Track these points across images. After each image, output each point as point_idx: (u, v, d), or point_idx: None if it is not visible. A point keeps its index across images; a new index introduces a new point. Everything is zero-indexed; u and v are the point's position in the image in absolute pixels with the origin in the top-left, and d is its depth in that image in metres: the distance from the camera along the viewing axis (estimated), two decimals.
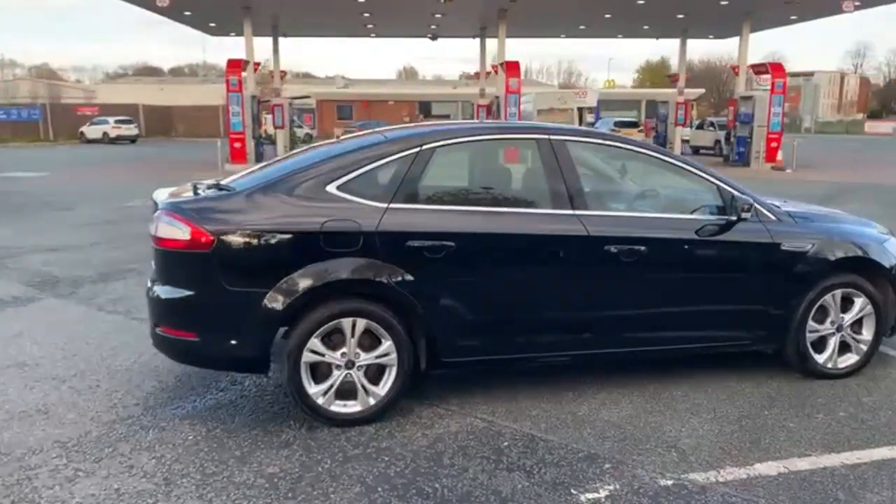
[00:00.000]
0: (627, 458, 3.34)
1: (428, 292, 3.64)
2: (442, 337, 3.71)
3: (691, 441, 3.53)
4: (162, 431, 3.63)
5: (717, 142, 28.49)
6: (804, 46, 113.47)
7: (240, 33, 28.16)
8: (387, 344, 3.64)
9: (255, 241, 3.52)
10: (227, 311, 3.52)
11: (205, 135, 44.68)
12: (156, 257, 3.72)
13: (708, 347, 4.19)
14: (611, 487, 3.08)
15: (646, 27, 28.13)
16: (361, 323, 3.59)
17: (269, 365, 3.61)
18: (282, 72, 29.01)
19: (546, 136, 3.99)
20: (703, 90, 48.08)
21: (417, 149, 3.78)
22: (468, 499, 2.99)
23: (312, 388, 3.60)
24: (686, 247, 3.99)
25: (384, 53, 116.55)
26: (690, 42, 30.60)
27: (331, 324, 3.56)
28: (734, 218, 4.00)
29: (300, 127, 37.41)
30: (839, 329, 4.31)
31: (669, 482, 3.13)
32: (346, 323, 3.58)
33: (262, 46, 22.89)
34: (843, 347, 4.36)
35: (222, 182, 3.90)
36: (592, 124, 29.02)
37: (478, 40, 30.14)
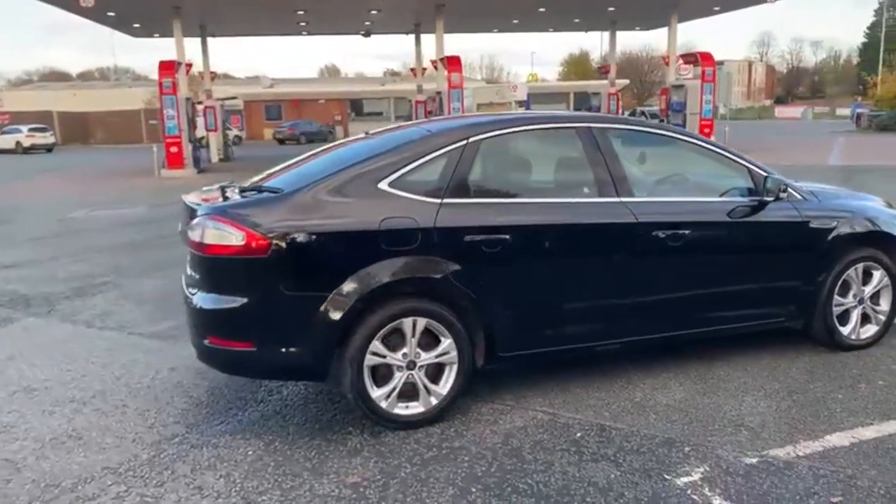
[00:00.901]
0: (703, 440, 3.37)
1: (485, 287, 3.58)
2: (499, 331, 3.65)
3: (755, 419, 3.59)
4: (216, 449, 3.44)
5: None
6: (713, 37, 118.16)
7: (164, 34, 27.20)
8: (446, 342, 3.55)
9: (312, 243, 3.37)
10: (286, 317, 3.36)
11: (126, 140, 42.94)
12: (199, 265, 3.51)
13: (747, 326, 4.28)
14: (700, 470, 3.10)
15: (577, 20, 28.66)
16: (422, 322, 3.50)
17: (329, 371, 3.46)
18: (212, 73, 28.12)
19: (587, 125, 3.98)
20: (627, 81, 49.36)
21: (465, 141, 3.70)
22: (567, 492, 2.95)
23: (376, 392, 3.47)
24: (725, 229, 4.07)
25: (302, 51, 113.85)
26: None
27: (392, 324, 3.45)
28: (771, 199, 4.09)
29: (229, 129, 36.40)
30: (861, 302, 4.48)
31: (754, 460, 3.17)
32: (408, 323, 3.47)
33: (185, 47, 21.93)
34: (864, 319, 4.53)
35: (263, 184, 3.71)
36: None
37: (401, 36, 29.99)
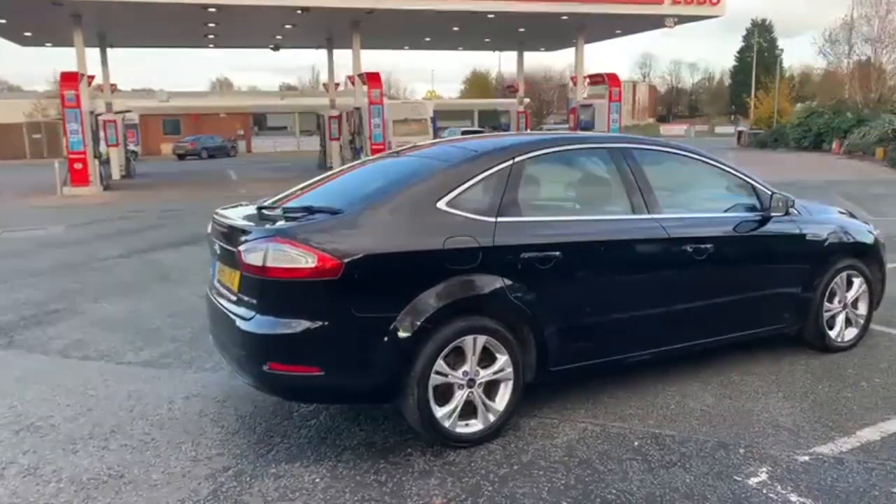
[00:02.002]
0: (751, 442, 3.58)
1: (538, 303, 3.66)
2: (550, 346, 3.74)
3: (787, 419, 3.85)
4: (279, 479, 3.32)
5: None
6: (599, 59, 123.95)
7: (57, 43, 25.69)
8: (503, 359, 3.60)
9: (381, 264, 3.35)
10: (355, 339, 3.31)
11: (7, 156, 39.93)
12: (258, 288, 3.38)
13: (755, 333, 4.58)
14: (764, 470, 3.30)
15: (487, 40, 29.34)
16: (481, 340, 3.53)
17: (395, 393, 3.42)
18: (112, 85, 26.73)
19: (617, 145, 4.17)
20: (528, 100, 50.86)
21: (511, 161, 3.78)
22: (655, 499, 3.06)
23: (439, 412, 3.47)
24: (740, 242, 4.35)
25: (188, 64, 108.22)
26: (507, 57, 32.31)
27: (454, 343, 3.47)
28: (779, 214, 4.42)
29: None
30: (845, 307, 4.89)
31: (806, 458, 3.41)
32: (469, 341, 3.50)
33: (72, 57, 20.49)
34: (847, 323, 4.94)
35: (315, 205, 3.62)
36: (437, 133, 29.81)
37: (296, 51, 29.49)
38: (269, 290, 3.35)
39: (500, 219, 3.63)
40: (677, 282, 4.13)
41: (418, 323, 3.35)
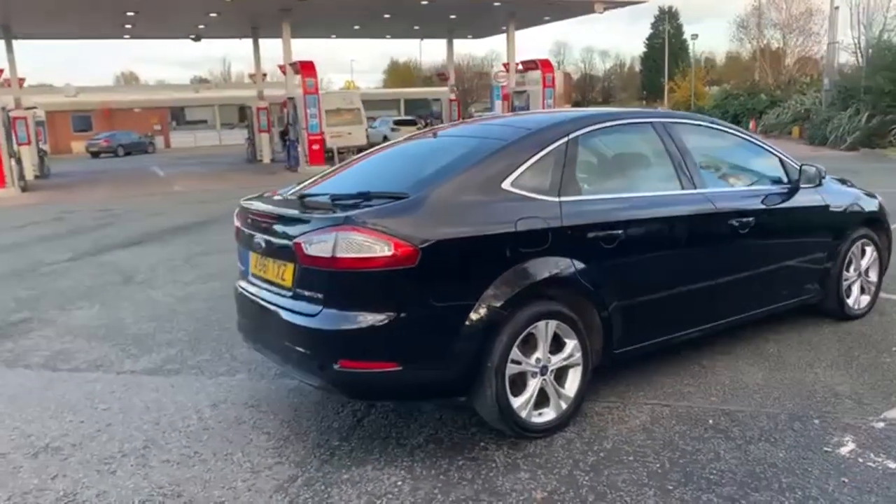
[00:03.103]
0: (820, 412, 3.59)
1: (603, 284, 3.54)
2: (615, 328, 3.62)
3: (844, 387, 3.88)
4: (357, 485, 3.08)
5: None
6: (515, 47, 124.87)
7: None
8: (572, 343, 3.46)
9: (457, 249, 3.14)
10: (434, 330, 3.10)
11: None
12: (324, 281, 3.11)
13: (788, 305, 4.62)
14: (847, 439, 3.29)
15: (416, 27, 29.05)
16: (552, 325, 3.39)
17: (474, 384, 3.23)
18: (20, 79, 24.95)
19: (658, 120, 4.09)
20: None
21: (566, 138, 3.63)
22: (757, 476, 3.00)
23: (516, 402, 3.31)
24: (777, 214, 4.36)
25: (84, 57, 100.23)
26: (428, 46, 32.12)
27: (527, 330, 3.30)
28: (813, 185, 4.46)
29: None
30: (860, 275, 5.00)
31: (881, 424, 3.43)
32: (541, 326, 3.35)
33: None
34: (861, 290, 5.06)
35: (372, 191, 3.35)
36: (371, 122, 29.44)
37: (204, 42, 28.44)
38: (338, 282, 3.08)
39: (562, 198, 3.48)
40: (723, 256, 4.10)
41: (496, 310, 3.17)
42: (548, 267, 3.34)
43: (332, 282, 3.10)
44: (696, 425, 3.49)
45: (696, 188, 4.00)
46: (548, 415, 3.43)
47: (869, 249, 5.04)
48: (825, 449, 3.21)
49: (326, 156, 21.70)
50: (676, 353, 4.33)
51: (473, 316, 3.14)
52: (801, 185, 4.49)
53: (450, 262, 3.12)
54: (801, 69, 36.12)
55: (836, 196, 4.77)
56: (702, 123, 4.40)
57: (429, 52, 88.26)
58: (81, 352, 5.12)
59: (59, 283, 7.47)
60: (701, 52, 60.32)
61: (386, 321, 3.03)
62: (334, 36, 31.00)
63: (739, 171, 4.49)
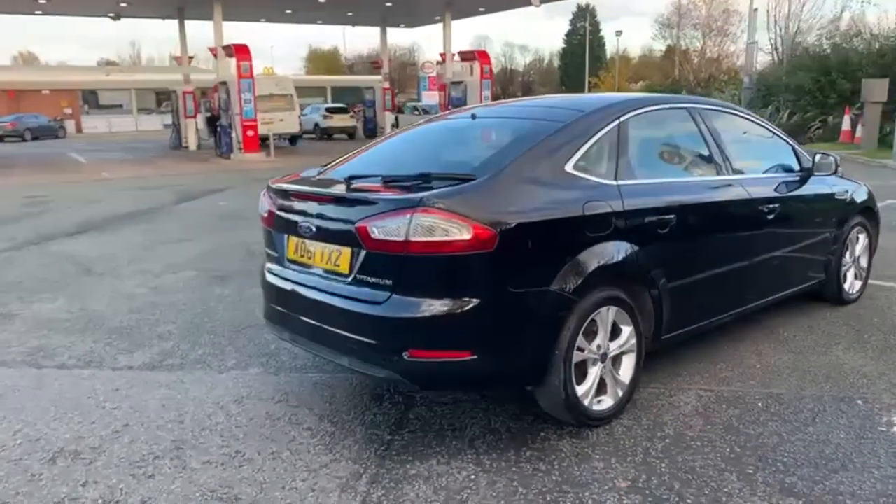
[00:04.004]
0: (860, 394, 3.67)
1: (656, 269, 3.51)
2: (665, 313, 3.60)
3: (870, 368, 3.99)
4: (428, 481, 2.92)
5: None
6: (436, 40, 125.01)
7: None
8: (628, 330, 3.41)
9: (532, 233, 3.02)
10: (510, 317, 2.97)
11: None
12: (394, 267, 2.93)
13: (800, 290, 4.73)
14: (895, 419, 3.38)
15: (350, 14, 28.51)
16: (613, 311, 3.32)
17: (544, 372, 3.12)
18: None
19: (694, 106, 4.09)
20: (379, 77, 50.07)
21: (617, 121, 3.57)
22: (828, 456, 3.03)
23: (580, 390, 3.23)
24: (795, 200, 4.45)
25: None
26: (351, 34, 31.68)
27: (591, 316, 3.23)
28: (828, 173, 4.59)
29: None
30: (855, 261, 5.19)
31: None
32: (604, 312, 3.28)
33: None
34: (854, 276, 5.25)
35: (433, 172, 3.17)
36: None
37: (108, 22, 27.03)
38: (409, 267, 2.91)
39: (620, 182, 3.41)
40: (753, 240, 4.15)
41: (566, 296, 3.07)
42: (611, 252, 3.27)
43: (402, 267, 2.92)
44: (749, 409, 3.51)
45: (731, 174, 4.02)
46: (606, 402, 3.37)
47: (862, 237, 5.23)
48: (880, 429, 3.28)
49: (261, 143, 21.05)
50: (701, 339, 4.36)
51: (546, 302, 3.03)
52: (815, 173, 4.60)
53: (525, 247, 2.99)
54: (719, 67, 37.67)
55: (838, 184, 4.93)
56: (726, 109, 4.44)
57: (351, 40, 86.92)
58: (63, 347, 4.70)
59: (8, 275, 6.87)
60: (615, 49, 61.95)
61: (460, 308, 2.89)
62: (263, 20, 30.01)
63: (761, 157, 4.54)
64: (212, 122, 25.40)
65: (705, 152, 3.99)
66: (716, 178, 3.96)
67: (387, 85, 30.04)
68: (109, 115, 41.66)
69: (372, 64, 34.18)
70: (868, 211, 5.27)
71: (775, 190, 4.28)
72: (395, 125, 30.46)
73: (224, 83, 21.39)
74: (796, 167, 4.64)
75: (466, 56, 25.71)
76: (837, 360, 4.14)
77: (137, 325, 5.15)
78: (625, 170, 3.49)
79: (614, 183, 3.38)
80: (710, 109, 4.22)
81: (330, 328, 3.18)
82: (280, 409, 3.65)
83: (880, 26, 23.17)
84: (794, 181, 4.51)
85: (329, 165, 3.93)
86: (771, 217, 4.16)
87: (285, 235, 3.50)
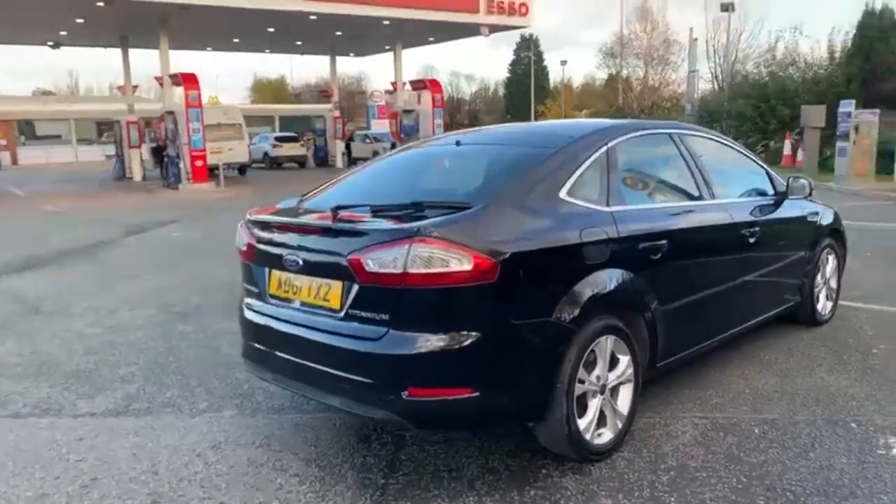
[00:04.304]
0: (851, 417, 3.66)
1: (650, 296, 3.45)
2: (660, 341, 3.54)
3: (856, 390, 4.00)
4: None
5: (376, 153, 30.27)
6: (384, 69, 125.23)
7: None
8: (625, 360, 3.33)
9: (532, 262, 2.93)
10: (512, 351, 2.86)
11: None
12: (389, 300, 2.79)
13: (779, 312, 4.75)
14: (893, 441, 3.37)
15: (299, 43, 28.36)
16: (611, 340, 3.24)
17: (546, 407, 3.00)
18: None
19: (675, 131, 4.09)
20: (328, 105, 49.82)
21: (606, 146, 3.52)
22: (831, 483, 3.00)
23: (582, 423, 3.13)
24: (773, 224, 4.48)
25: None
26: (298, 63, 31.50)
27: (591, 346, 3.14)
28: (802, 196, 4.64)
29: None
30: (825, 283, 5.26)
31: None
32: (603, 342, 3.20)
33: None
34: (826, 297, 5.32)
35: (425, 201, 3.05)
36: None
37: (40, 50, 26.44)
38: (407, 301, 2.77)
39: (612, 208, 3.36)
40: (739, 265, 4.15)
41: (567, 326, 2.98)
42: (608, 279, 3.20)
43: (399, 301, 2.78)
44: (747, 436, 3.46)
45: (712, 198, 4.02)
46: (606, 435, 3.27)
47: (831, 258, 5.32)
48: (879, 452, 3.27)
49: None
50: (688, 366, 4.30)
51: (548, 333, 2.93)
52: (790, 197, 4.65)
53: (526, 276, 2.89)
54: (661, 95, 38.75)
55: (808, 207, 5.00)
56: (703, 134, 4.46)
57: (298, 69, 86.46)
58: (16, 394, 4.37)
59: None
60: (560, 78, 63.37)
61: (461, 343, 2.76)
62: (210, 48, 29.61)
63: (738, 181, 4.57)
64: (157, 152, 24.78)
65: (689, 177, 3.98)
66: (702, 203, 3.96)
67: (337, 114, 29.89)
68: (47, 146, 40.25)
69: (321, 93, 34.00)
70: (836, 233, 5.37)
71: (755, 214, 4.31)
72: (347, 153, 30.34)
73: (171, 112, 20.92)
74: (770, 191, 4.69)
75: (417, 85, 25.83)
76: (822, 382, 4.15)
77: (96, 367, 4.85)
78: (616, 196, 3.44)
79: (607, 209, 3.33)
80: (689, 135, 4.23)
81: (318, 367, 3.01)
82: (262, 455, 3.43)
83: (813, 55, 24.22)
84: (771, 205, 4.55)
85: (308, 195, 3.78)
86: (752, 241, 4.18)
87: (266, 269, 3.32)
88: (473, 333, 2.77)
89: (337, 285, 2.95)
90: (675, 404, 3.87)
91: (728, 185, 4.38)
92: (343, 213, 3.12)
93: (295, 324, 3.12)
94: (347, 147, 30.75)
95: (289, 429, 3.73)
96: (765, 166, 4.77)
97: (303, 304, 3.12)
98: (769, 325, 5.01)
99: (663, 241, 3.50)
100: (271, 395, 4.18)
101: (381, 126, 37.10)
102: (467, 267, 2.71)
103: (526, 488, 3.03)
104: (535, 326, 2.91)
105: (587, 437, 3.15)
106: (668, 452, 3.32)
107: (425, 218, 2.88)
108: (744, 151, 4.73)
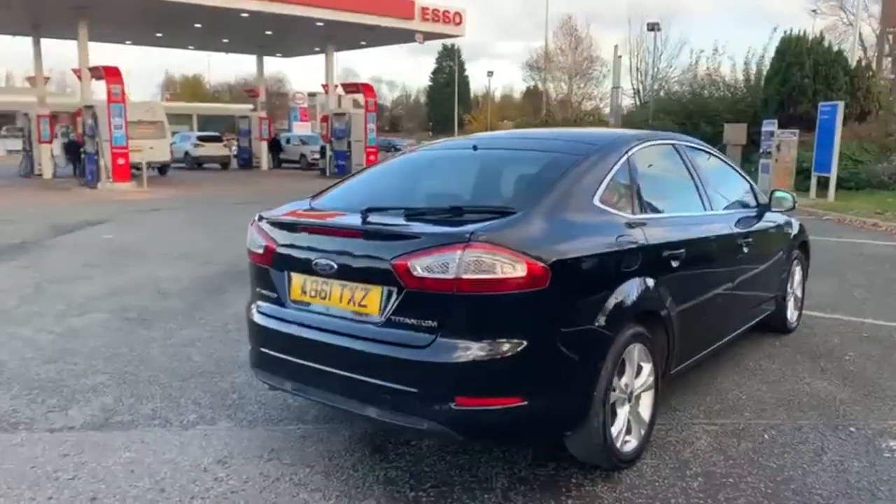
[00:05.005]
0: (845, 419, 3.81)
1: (672, 304, 3.48)
2: (675, 348, 3.57)
3: (843, 395, 4.17)
4: None
5: (303, 156, 29.73)
6: (301, 71, 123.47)
7: None
8: (648, 367, 3.35)
9: (580, 268, 2.91)
10: (561, 359, 2.81)
11: None
12: (439, 307, 2.68)
13: (760, 319, 4.91)
14: (893, 444, 3.52)
15: (226, 40, 27.52)
16: (639, 348, 3.25)
17: (586, 416, 2.96)
18: None
19: (678, 142, 4.17)
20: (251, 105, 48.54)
21: (627, 155, 3.54)
22: (852, 486, 3.09)
23: (614, 431, 3.11)
24: (760, 234, 4.62)
25: None
26: (217, 61, 30.78)
27: (623, 353, 3.13)
28: (786, 209, 4.82)
29: None
30: (793, 292, 5.49)
31: None
32: (633, 350, 3.20)
33: None
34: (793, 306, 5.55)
35: (465, 205, 2.97)
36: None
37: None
38: (457, 307, 2.67)
39: (638, 216, 3.37)
40: (735, 275, 4.25)
41: (607, 333, 2.96)
42: (639, 287, 3.20)
43: (449, 307, 2.68)
44: (760, 441, 3.54)
45: (713, 209, 4.12)
46: (632, 443, 3.27)
47: (798, 268, 5.55)
48: (886, 455, 3.40)
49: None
50: (681, 374, 4.38)
51: (592, 340, 2.91)
52: (773, 209, 4.82)
53: (574, 283, 2.86)
54: (584, 108, 39.88)
55: (782, 219, 5.19)
56: (698, 146, 4.56)
57: (216, 67, 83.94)
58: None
59: None
60: (484, 88, 64.37)
61: (512, 350, 2.69)
62: (129, 42, 28.31)
63: (729, 193, 4.68)
64: (70, 148, 23.47)
65: (693, 187, 4.06)
66: (710, 213, 4.05)
67: (263, 114, 29.16)
68: None
69: (248, 92, 33.04)
70: (803, 244, 5.61)
71: (747, 224, 4.43)
72: (273, 155, 29.63)
73: (90, 107, 19.84)
74: (753, 203, 4.84)
75: (350, 88, 25.56)
76: (810, 388, 4.31)
77: (60, 376, 4.48)
78: (640, 204, 3.46)
79: (635, 217, 3.34)
80: (689, 147, 4.31)
81: (353, 375, 2.87)
82: (275, 469, 3.24)
83: (733, 76, 25.41)
84: (756, 216, 4.69)
85: (319, 196, 3.62)
86: (746, 250, 4.30)
87: (287, 273, 3.15)
88: (523, 340, 2.70)
89: (376, 290, 2.82)
90: (681, 412, 3.92)
91: (723, 195, 4.49)
92: (374, 217, 2.99)
93: (323, 330, 2.97)
94: (272, 149, 30.01)
95: (294, 441, 3.55)
96: (749, 180, 4.93)
97: (334, 309, 2.96)
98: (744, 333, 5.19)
99: (682, 250, 3.54)
100: (264, 404, 3.98)
101: (303, 128, 36.50)
102: (521, 273, 2.64)
103: (562, 498, 2.98)
104: (581, 333, 2.87)
105: (618, 444, 3.13)
106: (690, 459, 3.35)
107: (469, 223, 2.79)
108: (732, 165, 4.87)
